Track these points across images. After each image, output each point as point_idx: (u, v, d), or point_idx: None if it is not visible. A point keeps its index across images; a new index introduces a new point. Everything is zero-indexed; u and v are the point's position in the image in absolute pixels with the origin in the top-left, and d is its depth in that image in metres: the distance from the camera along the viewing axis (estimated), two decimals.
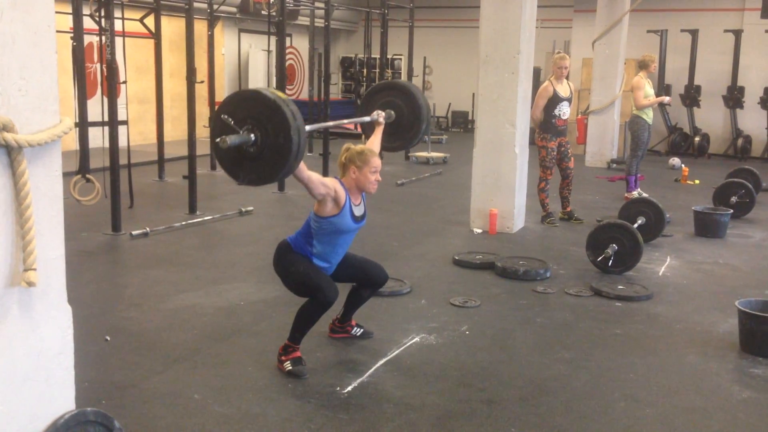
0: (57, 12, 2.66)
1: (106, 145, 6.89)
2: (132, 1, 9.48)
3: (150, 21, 8.65)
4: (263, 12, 13.75)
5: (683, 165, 11.35)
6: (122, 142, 7.24)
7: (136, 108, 12.38)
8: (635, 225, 6.33)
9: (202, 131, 11.38)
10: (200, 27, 11.54)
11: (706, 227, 7.24)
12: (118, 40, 7.12)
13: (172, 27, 12.63)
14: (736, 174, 8.90)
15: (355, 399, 3.56)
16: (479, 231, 7.18)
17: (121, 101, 8.28)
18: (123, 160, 7.18)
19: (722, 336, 4.55)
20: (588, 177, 10.95)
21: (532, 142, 7.57)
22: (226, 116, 3.24)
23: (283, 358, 3.84)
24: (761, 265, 6.29)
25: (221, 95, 13.13)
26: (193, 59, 7.85)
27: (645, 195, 8.15)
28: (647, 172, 10.76)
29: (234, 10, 14.05)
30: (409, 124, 4.48)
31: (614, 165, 12.08)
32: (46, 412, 2.60)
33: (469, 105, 17.16)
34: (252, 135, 3.20)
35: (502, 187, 7.13)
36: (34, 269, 2.41)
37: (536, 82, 10.20)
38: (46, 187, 2.52)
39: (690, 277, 5.85)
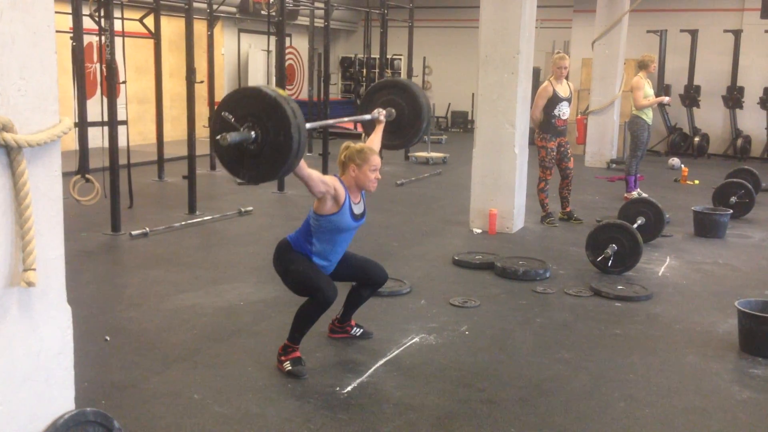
0: (57, 12, 2.66)
1: (106, 145, 6.89)
2: (132, 1, 9.48)
3: (150, 21, 8.65)
4: (263, 12, 13.74)
5: (683, 165, 11.35)
6: (122, 142, 7.24)
7: (135, 108, 12.38)
8: (635, 225, 6.33)
9: (202, 131, 11.39)
10: (200, 27, 11.54)
11: (706, 227, 7.25)
12: (118, 40, 7.12)
13: (171, 27, 12.63)
14: (735, 174, 8.90)
15: (355, 399, 3.56)
16: (479, 231, 7.18)
17: (120, 101, 8.29)
18: (123, 160, 7.18)
19: (722, 336, 4.55)
20: (587, 177, 10.96)
21: (531, 142, 7.57)
22: (226, 113, 3.23)
23: (282, 358, 3.84)
24: (761, 266, 6.29)
25: (221, 95, 13.11)
26: (192, 59, 7.85)
27: (644, 195, 8.16)
28: (647, 173, 10.77)
29: (234, 10, 14.05)
30: (409, 122, 4.48)
31: (614, 165, 12.08)
32: (45, 412, 2.60)
33: (469, 105, 17.16)
34: (252, 132, 3.20)
35: (501, 188, 7.13)
36: (34, 269, 2.41)
37: (536, 82, 10.19)
38: (46, 187, 2.52)
39: (689, 278, 5.85)
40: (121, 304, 4.90)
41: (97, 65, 11.08)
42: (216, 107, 3.38)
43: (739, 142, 13.65)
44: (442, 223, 7.62)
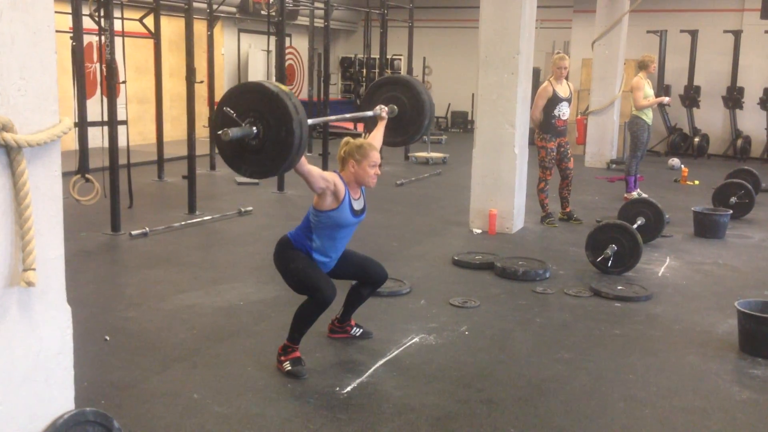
0: (57, 12, 2.66)
1: (106, 145, 6.89)
2: (131, 1, 9.47)
3: (149, 21, 8.65)
4: (263, 12, 13.75)
5: (683, 165, 11.35)
6: (122, 141, 7.24)
7: (135, 108, 12.38)
8: (635, 225, 6.33)
9: (202, 131, 11.39)
10: (200, 27, 11.54)
11: (706, 228, 7.25)
12: (118, 40, 7.12)
13: (171, 27, 12.63)
14: (735, 174, 8.90)
15: (355, 399, 3.56)
16: (479, 231, 7.18)
17: (120, 101, 8.28)
18: (122, 160, 7.18)
19: (721, 336, 4.55)
20: (587, 177, 10.96)
21: (531, 143, 7.57)
22: (228, 108, 3.23)
23: (282, 358, 3.84)
24: (760, 266, 6.29)
25: (220, 95, 13.10)
26: (192, 59, 7.85)
27: (644, 195, 8.16)
28: (647, 173, 10.77)
29: (233, 10, 14.05)
30: (411, 119, 4.47)
31: (614, 165, 12.08)
32: (45, 412, 2.60)
33: (469, 105, 17.17)
34: (254, 128, 3.20)
35: (501, 188, 7.13)
36: (34, 269, 2.41)
37: (536, 83, 10.20)
38: (46, 187, 2.52)
39: (689, 278, 5.85)
40: (121, 304, 4.90)
41: (97, 65, 11.08)
42: (217, 104, 3.37)
43: (739, 142, 13.65)
44: (441, 224, 7.62)
